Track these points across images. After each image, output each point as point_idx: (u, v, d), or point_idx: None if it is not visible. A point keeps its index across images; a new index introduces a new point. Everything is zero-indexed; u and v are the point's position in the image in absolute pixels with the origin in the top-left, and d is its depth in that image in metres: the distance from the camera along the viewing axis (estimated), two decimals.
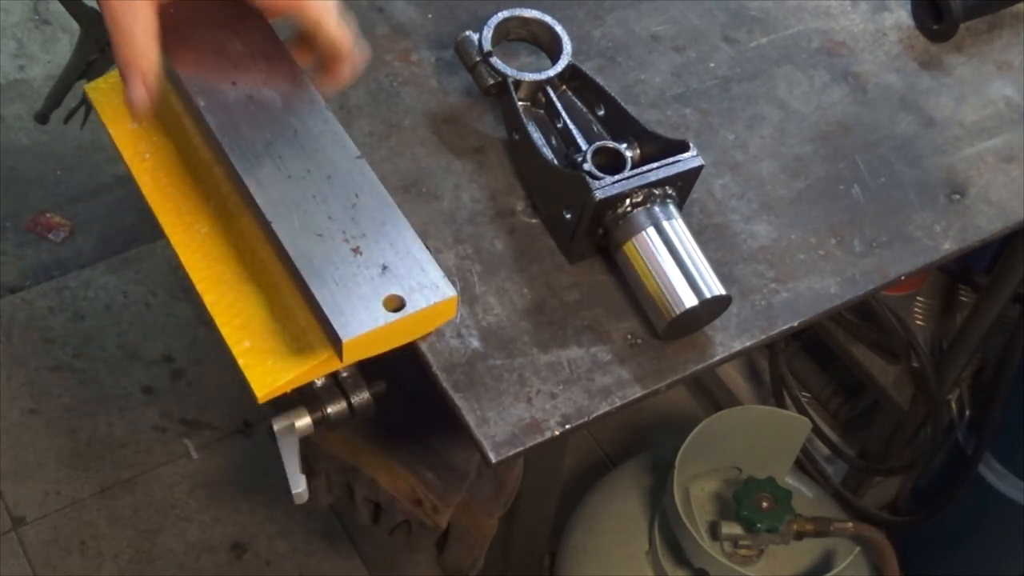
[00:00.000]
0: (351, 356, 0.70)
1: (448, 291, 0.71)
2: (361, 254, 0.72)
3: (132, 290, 2.18)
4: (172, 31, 0.76)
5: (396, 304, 0.70)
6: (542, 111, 0.90)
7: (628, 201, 0.81)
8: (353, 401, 0.82)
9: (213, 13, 0.80)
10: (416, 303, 0.70)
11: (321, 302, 0.69)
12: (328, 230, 0.72)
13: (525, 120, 0.87)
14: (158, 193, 0.80)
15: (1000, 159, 1.00)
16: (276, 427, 0.82)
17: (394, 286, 0.71)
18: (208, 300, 0.75)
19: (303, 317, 0.72)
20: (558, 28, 0.91)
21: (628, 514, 1.52)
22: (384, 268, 0.71)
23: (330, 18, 0.76)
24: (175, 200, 0.80)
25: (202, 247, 0.78)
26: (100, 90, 0.86)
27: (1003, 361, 1.46)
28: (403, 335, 0.72)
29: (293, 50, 0.80)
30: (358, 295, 0.70)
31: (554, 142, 0.88)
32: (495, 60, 0.88)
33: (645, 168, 0.82)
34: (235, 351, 0.72)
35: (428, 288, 0.71)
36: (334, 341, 0.69)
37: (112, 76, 0.86)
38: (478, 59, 0.89)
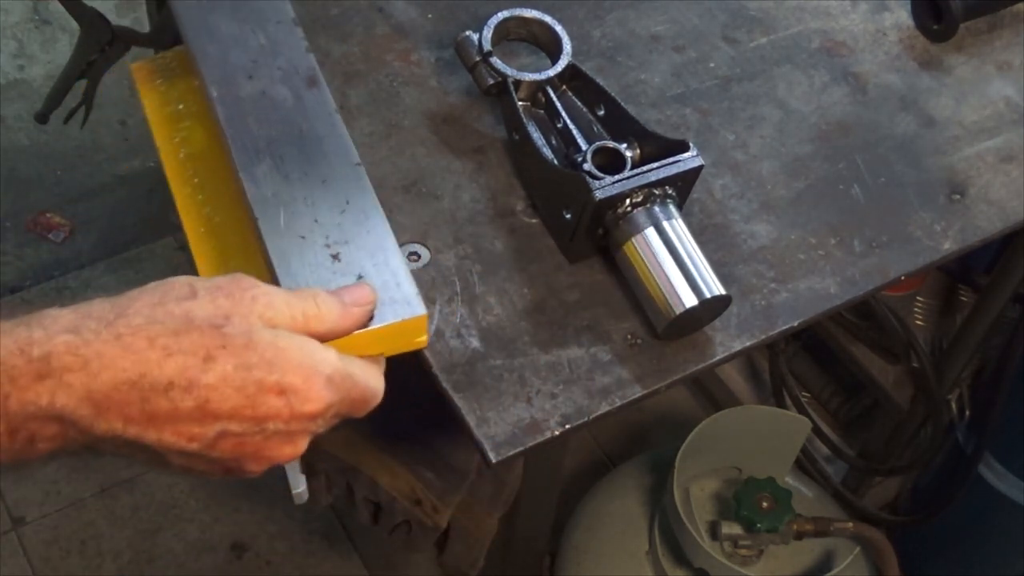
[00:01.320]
0: None
1: (419, 308, 0.68)
2: (340, 261, 0.70)
3: None
4: (200, 22, 0.76)
5: None
6: (542, 111, 0.90)
7: (628, 201, 0.81)
8: None
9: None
10: (384, 316, 0.67)
11: None
12: (312, 233, 0.71)
13: (525, 120, 0.87)
14: (180, 178, 0.80)
15: (1000, 159, 1.00)
16: None
17: None
18: None
19: None
20: (558, 28, 0.90)
21: (628, 514, 1.52)
22: (359, 278, 0.69)
23: None
24: (192, 185, 0.80)
25: (212, 234, 0.78)
26: (145, 69, 0.86)
27: (1003, 361, 1.46)
28: (369, 347, 0.68)
29: None
30: None
31: (554, 142, 0.88)
32: (495, 60, 0.88)
33: (645, 168, 0.82)
34: None
35: (399, 303, 0.68)
36: None
37: (158, 57, 0.87)
38: (478, 59, 0.89)
